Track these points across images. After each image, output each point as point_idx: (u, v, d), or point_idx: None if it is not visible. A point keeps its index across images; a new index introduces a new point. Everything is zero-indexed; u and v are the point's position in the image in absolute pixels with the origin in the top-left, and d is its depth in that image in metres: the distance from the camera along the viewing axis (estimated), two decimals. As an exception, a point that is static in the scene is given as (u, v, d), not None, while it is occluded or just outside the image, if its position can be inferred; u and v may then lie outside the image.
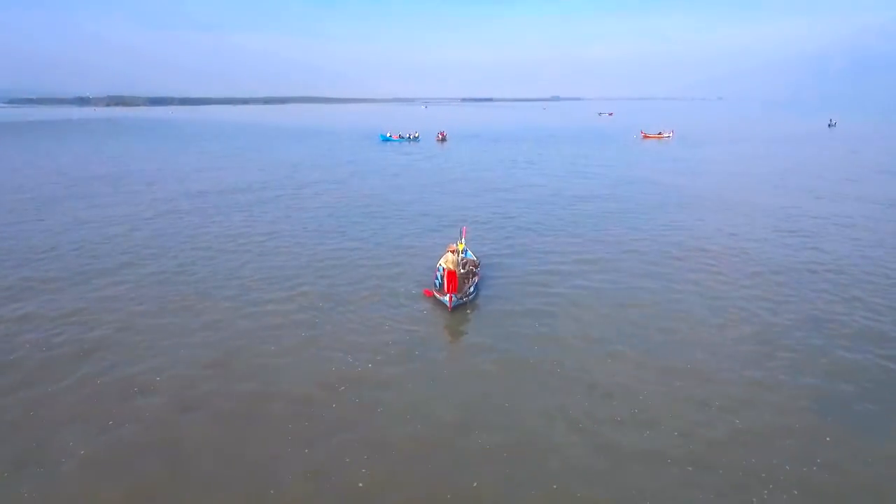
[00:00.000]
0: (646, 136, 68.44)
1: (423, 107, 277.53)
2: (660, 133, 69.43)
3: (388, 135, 65.30)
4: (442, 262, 14.53)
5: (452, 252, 14.34)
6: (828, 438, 8.44)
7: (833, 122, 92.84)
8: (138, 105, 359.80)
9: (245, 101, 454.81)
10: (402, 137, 64.67)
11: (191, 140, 71.69)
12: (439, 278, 14.63)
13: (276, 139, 72.33)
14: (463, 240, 16.36)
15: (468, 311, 13.50)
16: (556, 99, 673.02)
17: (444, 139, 64.02)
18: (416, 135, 65.55)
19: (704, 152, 51.59)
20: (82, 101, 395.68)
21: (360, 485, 7.63)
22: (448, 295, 13.26)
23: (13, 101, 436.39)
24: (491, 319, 13.07)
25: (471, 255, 16.27)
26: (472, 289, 14.12)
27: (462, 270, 14.21)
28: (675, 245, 18.95)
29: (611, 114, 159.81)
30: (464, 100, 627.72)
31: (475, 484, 7.63)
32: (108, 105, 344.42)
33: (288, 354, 11.28)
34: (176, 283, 15.47)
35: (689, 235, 20.26)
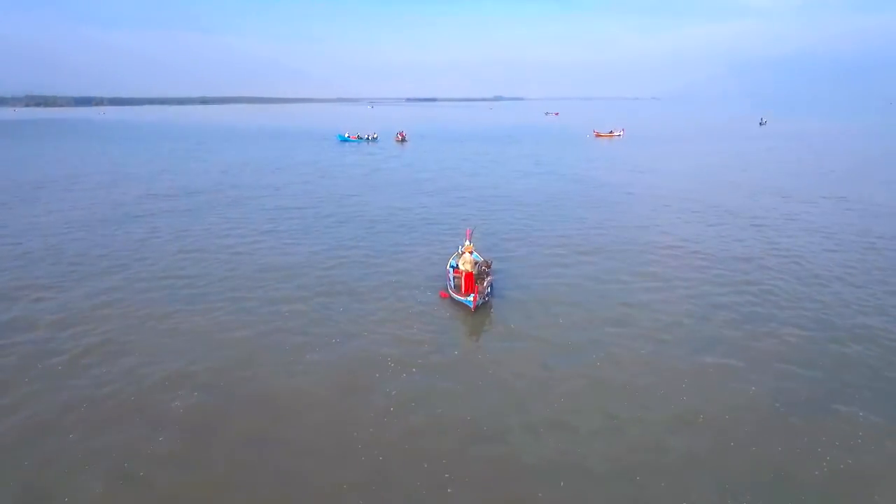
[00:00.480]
0: (598, 135, 70.77)
1: (369, 107, 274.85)
2: (611, 132, 72.03)
3: (347, 135, 64.37)
4: (459, 263, 14.60)
5: (469, 252, 14.40)
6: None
7: (764, 120, 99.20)
8: (62, 105, 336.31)
9: (181, 102, 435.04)
10: (361, 138, 63.91)
11: (140, 141, 68.03)
12: (453, 279, 14.75)
13: (230, 141, 69.68)
14: (468, 241, 16.46)
15: (491, 310, 13.65)
16: (499, 99, 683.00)
17: (403, 139, 63.77)
18: (375, 135, 64.96)
19: (656, 150, 53.99)
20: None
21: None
22: (472, 295, 13.36)
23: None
24: (513, 316, 13.26)
25: (477, 257, 16.32)
26: (489, 288, 14.27)
27: (475, 271, 14.37)
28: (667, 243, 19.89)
29: (556, 113, 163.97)
30: (408, 100, 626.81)
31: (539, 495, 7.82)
32: (27, 105, 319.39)
33: (323, 369, 11.06)
34: (167, 290, 14.80)
35: (668, 233, 21.30)
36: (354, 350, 11.61)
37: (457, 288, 14.26)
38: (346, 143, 61.63)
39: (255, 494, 7.65)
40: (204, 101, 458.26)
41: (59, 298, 14.45)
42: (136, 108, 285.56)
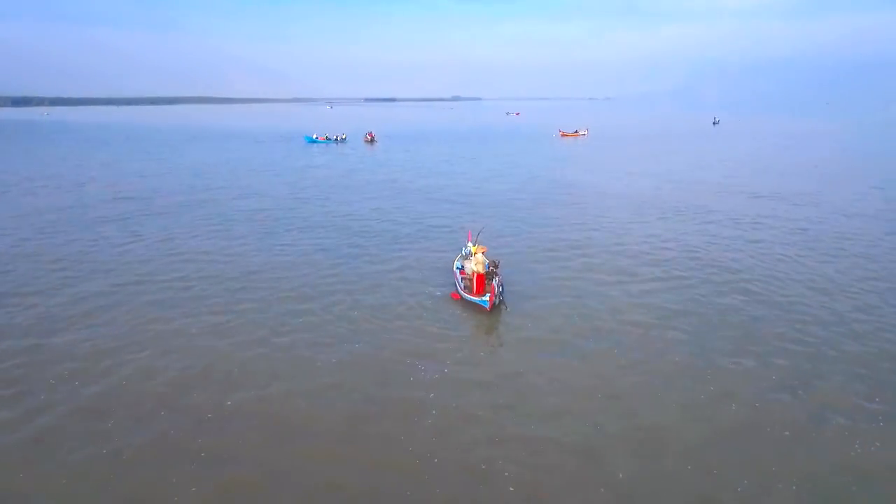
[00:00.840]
0: (563, 135, 72.28)
1: (328, 107, 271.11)
2: (576, 132, 73.68)
3: (315, 136, 63.43)
4: (471, 264, 14.65)
5: (482, 253, 14.58)
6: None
7: (717, 119, 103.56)
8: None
9: (129, 102, 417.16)
10: (330, 139, 63.14)
11: (104, 144, 64.90)
12: (461, 280, 14.90)
13: (193, 142, 67.36)
14: (471, 243, 16.57)
15: (505, 309, 13.89)
16: (457, 99, 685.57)
17: (373, 140, 63.36)
18: (344, 136, 64.29)
19: (619, 150, 55.66)
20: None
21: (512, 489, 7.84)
22: (487, 295, 13.56)
23: None
24: (526, 313, 13.54)
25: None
26: (500, 288, 14.47)
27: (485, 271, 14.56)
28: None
29: (517, 113, 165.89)
30: (367, 100, 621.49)
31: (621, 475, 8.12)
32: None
33: (355, 371, 11.04)
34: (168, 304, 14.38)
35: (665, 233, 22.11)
36: (380, 350, 11.69)
37: (467, 289, 14.41)
38: (315, 145, 60.77)
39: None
40: (154, 101, 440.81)
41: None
42: (80, 109, 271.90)
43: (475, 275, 14.19)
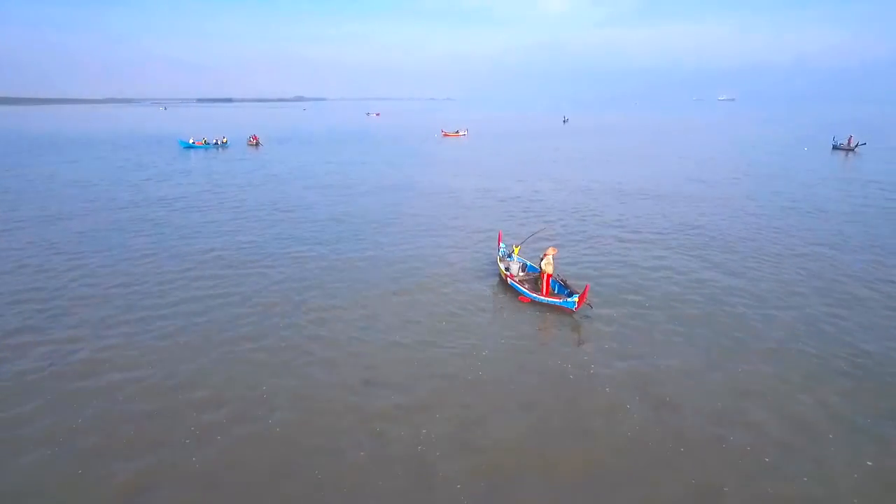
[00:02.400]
0: (445, 135, 74.99)
1: (161, 108, 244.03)
2: (457, 132, 76.90)
3: (191, 141, 57.76)
4: (543, 263, 14.59)
5: (554, 255, 14.67)
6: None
7: (566, 118, 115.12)
8: None
9: None
10: (209, 143, 57.99)
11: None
12: (518, 282, 14.78)
13: (42, 153, 56.71)
14: (502, 244, 16.99)
15: (590, 308, 13.77)
16: (300, 99, 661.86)
17: (257, 143, 59.73)
18: (225, 140, 59.54)
19: (508, 147, 59.78)
20: None
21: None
22: (575, 296, 13.39)
23: None
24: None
25: (522, 260, 16.24)
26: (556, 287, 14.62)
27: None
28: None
29: (378, 114, 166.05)
30: (200, 100, 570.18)
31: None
32: None
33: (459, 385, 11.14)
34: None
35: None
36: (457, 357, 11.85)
37: (534, 290, 14.34)
38: (192, 150, 55.25)
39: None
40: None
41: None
42: None
43: (545, 275, 14.30)
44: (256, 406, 9.84)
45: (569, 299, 13.54)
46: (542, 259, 14.80)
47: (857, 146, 49.65)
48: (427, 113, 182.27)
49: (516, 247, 16.59)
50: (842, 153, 48.80)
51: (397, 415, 9.58)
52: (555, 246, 15.53)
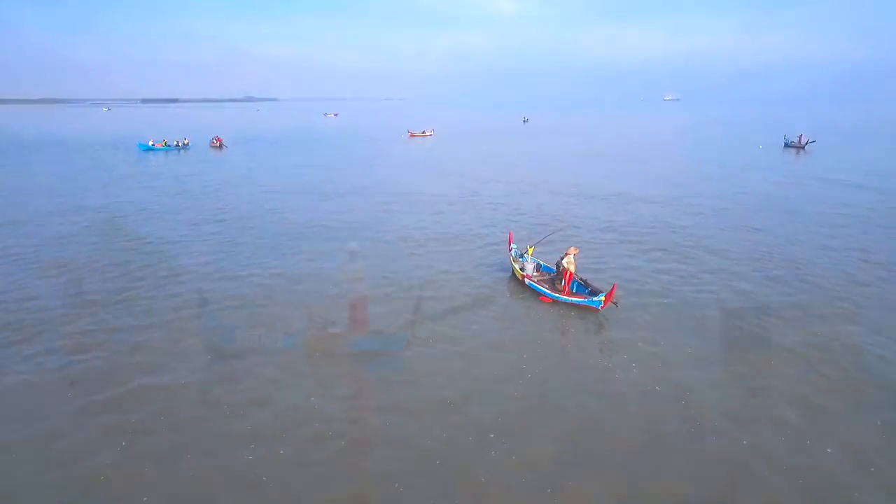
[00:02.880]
0: (412, 135, 74.74)
1: (104, 109, 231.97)
2: (423, 132, 76.76)
3: (151, 143, 55.09)
4: (565, 262, 14.54)
5: (575, 255, 14.60)
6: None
7: (526, 119, 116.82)
8: None
9: None
10: (169, 146, 55.56)
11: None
12: (536, 283, 14.71)
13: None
14: (513, 244, 16.83)
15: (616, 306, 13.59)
16: (250, 99, 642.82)
17: (221, 145, 57.86)
18: (186, 142, 57.31)
19: (473, 148, 60.25)
20: None
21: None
22: (602, 294, 13.26)
23: None
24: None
25: (536, 260, 16.19)
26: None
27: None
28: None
29: (336, 115, 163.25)
30: (144, 100, 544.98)
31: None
32: None
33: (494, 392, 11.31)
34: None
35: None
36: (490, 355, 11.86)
37: (555, 290, 14.26)
38: (153, 153, 52.80)
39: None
40: None
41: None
42: None
43: (568, 274, 14.22)
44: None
45: (594, 298, 13.42)
46: (563, 258, 14.73)
47: (807, 144, 52.66)
48: (384, 113, 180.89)
49: (530, 247, 16.62)
50: (793, 150, 51.66)
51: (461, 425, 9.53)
52: (575, 245, 15.43)
